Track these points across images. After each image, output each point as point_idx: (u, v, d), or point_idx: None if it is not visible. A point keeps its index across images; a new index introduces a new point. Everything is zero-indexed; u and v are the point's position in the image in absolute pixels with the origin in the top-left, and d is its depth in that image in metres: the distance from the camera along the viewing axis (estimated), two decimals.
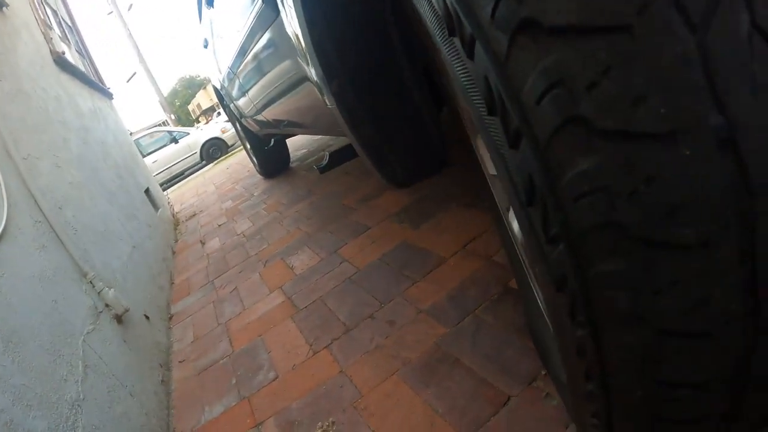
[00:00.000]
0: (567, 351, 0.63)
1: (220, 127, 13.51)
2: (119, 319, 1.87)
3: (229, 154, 12.58)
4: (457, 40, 0.60)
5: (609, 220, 0.43)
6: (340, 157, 2.12)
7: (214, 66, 4.04)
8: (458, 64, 0.64)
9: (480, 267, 1.65)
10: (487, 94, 0.54)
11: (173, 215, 5.71)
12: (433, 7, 0.65)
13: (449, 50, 0.70)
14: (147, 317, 2.26)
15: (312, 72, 1.35)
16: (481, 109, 0.57)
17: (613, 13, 0.40)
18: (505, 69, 0.48)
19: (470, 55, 0.56)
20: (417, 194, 2.48)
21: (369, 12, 1.20)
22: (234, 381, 1.72)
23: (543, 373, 1.16)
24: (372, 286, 1.85)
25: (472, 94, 0.59)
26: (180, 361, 2.09)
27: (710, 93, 0.39)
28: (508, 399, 1.14)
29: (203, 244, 3.94)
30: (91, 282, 1.83)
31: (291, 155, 5.67)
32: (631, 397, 0.54)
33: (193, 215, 5.43)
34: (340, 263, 2.20)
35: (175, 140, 13.05)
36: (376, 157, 1.40)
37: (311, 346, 1.67)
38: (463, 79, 0.64)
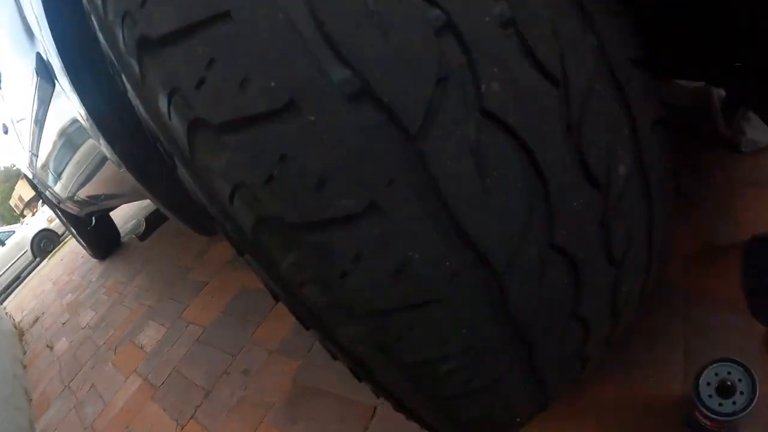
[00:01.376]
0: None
1: (46, 216, 12.11)
2: None
3: (62, 243, 11.38)
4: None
5: (261, 214, 0.37)
6: (156, 219, 1.99)
7: (20, 152, 3.60)
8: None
9: None
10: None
11: (15, 326, 5.17)
12: None
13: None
14: None
15: (99, 139, 1.23)
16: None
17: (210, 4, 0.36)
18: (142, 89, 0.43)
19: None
20: None
21: None
22: None
23: None
24: (221, 342, 1.81)
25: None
26: None
27: (327, 47, 0.35)
28: (375, 410, 1.12)
29: (51, 348, 3.59)
30: None
31: (120, 228, 5.39)
32: (401, 387, 0.50)
33: (36, 320, 4.95)
34: (186, 327, 2.12)
35: (1, 242, 11.49)
36: (178, 212, 1.30)
37: (177, 421, 1.60)
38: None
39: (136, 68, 0.41)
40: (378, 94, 0.35)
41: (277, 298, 0.54)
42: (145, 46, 0.39)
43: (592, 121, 0.42)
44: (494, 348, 0.46)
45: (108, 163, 1.74)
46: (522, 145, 0.39)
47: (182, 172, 0.45)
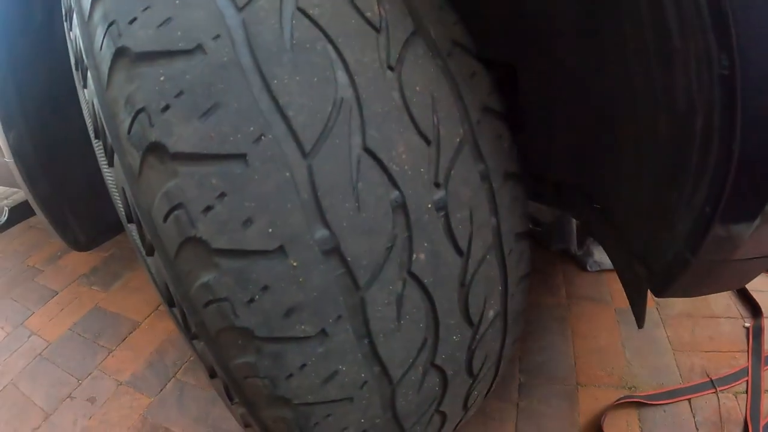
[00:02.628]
0: (239, 422, 0.68)
1: None
2: None
3: None
4: (100, 144, 0.58)
5: (233, 324, 0.47)
6: (22, 213, 1.82)
7: None
8: (104, 166, 0.62)
9: (175, 328, 1.58)
10: (125, 204, 0.54)
11: None
12: (86, 101, 0.62)
13: (97, 149, 0.67)
14: None
15: None
16: (122, 214, 0.57)
17: (229, 142, 0.45)
18: (138, 185, 0.49)
19: (111, 163, 0.55)
20: (106, 252, 2.30)
21: (55, 65, 1.08)
22: None
23: None
24: (66, 362, 1.67)
25: (115, 196, 0.58)
26: None
27: (316, 210, 0.48)
28: None
29: None
30: None
31: None
32: None
33: None
34: (29, 337, 1.89)
35: None
36: (54, 218, 1.26)
37: None
38: (108, 180, 0.62)
39: (137, 161, 0.47)
40: (344, 252, 0.48)
41: (212, 377, 0.63)
42: (156, 150, 0.46)
43: (479, 281, 0.60)
44: None
45: None
46: (429, 299, 0.55)
47: (158, 265, 0.53)
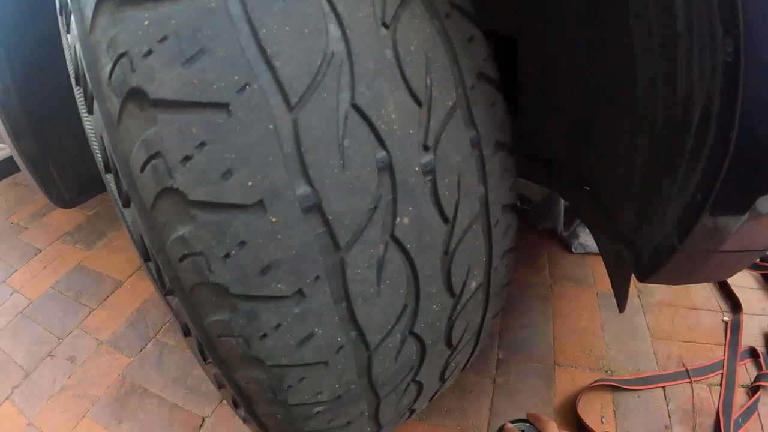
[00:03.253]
0: (213, 383, 0.67)
1: None
2: None
3: None
4: (80, 91, 0.56)
5: (208, 280, 0.46)
6: (7, 169, 1.79)
7: None
8: (84, 114, 0.60)
9: None
10: (103, 153, 0.52)
11: None
12: (69, 47, 0.59)
13: (78, 97, 0.65)
14: None
15: None
16: (100, 163, 0.54)
17: (212, 90, 0.43)
18: (116, 132, 0.47)
19: (90, 110, 0.53)
20: (91, 210, 2.28)
21: (43, 20, 1.04)
22: None
23: None
24: (48, 320, 1.67)
25: (94, 145, 0.56)
26: None
27: (299, 166, 0.46)
28: (203, 421, 1.17)
29: None
30: None
31: None
32: (275, 419, 0.60)
33: None
34: (11, 295, 1.88)
35: None
36: (39, 174, 1.24)
37: None
38: (88, 128, 0.60)
39: (116, 108, 0.45)
40: (325, 210, 0.47)
41: (186, 335, 0.61)
42: (136, 96, 0.44)
43: (463, 250, 0.59)
44: (354, 399, 0.60)
45: None
46: (411, 264, 0.54)
47: (134, 216, 0.51)
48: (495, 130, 0.60)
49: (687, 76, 0.48)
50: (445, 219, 0.55)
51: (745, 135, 0.44)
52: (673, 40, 0.48)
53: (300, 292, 0.48)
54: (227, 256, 0.45)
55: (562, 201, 1.51)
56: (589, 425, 1.02)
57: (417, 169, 0.52)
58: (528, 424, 0.94)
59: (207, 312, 0.49)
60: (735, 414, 1.04)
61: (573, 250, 1.51)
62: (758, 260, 1.39)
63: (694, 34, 0.46)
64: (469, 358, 0.79)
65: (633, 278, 0.73)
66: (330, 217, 0.47)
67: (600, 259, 1.13)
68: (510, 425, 0.92)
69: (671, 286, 1.36)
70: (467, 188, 0.57)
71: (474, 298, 0.65)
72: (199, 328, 0.51)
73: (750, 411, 1.05)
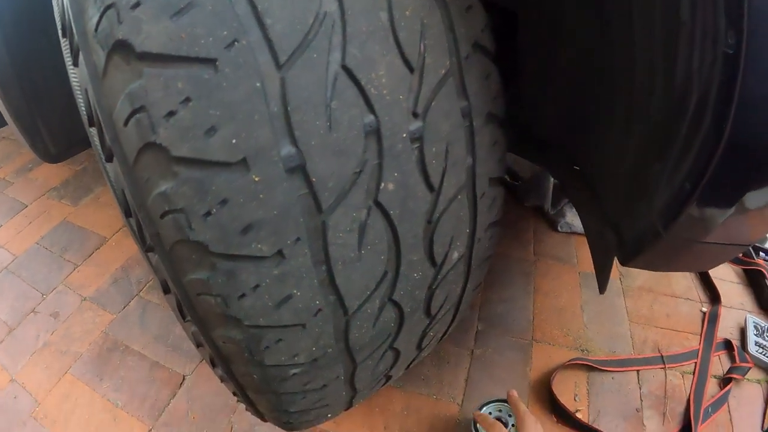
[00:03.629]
0: (192, 341, 0.67)
1: None
2: None
3: None
4: (66, 43, 0.55)
5: (188, 237, 0.46)
6: None
7: None
8: (70, 66, 0.58)
9: None
10: (87, 106, 0.51)
11: None
12: None
13: (64, 48, 0.63)
14: None
15: None
16: (84, 116, 0.53)
17: (200, 45, 0.42)
18: (101, 85, 0.46)
19: (75, 62, 0.52)
20: (78, 166, 2.24)
21: None
22: None
23: None
24: (32, 276, 1.66)
25: (79, 98, 0.55)
26: None
27: (285, 125, 0.45)
28: (184, 379, 1.19)
29: None
30: None
31: None
32: (251, 379, 0.60)
33: None
34: None
35: None
36: (26, 129, 1.21)
37: None
38: (73, 81, 0.58)
39: (102, 60, 0.44)
40: (309, 172, 0.46)
41: (166, 292, 0.61)
42: (122, 49, 0.43)
43: (447, 220, 0.59)
44: (331, 362, 0.61)
45: None
46: (393, 231, 0.54)
47: (117, 171, 0.50)
48: (487, 102, 0.60)
49: (686, 64, 0.48)
50: (430, 187, 0.55)
51: (739, 128, 0.44)
52: (675, 26, 0.48)
53: (280, 253, 0.48)
54: (208, 213, 0.45)
55: (552, 179, 1.52)
56: (563, 402, 1.05)
57: (405, 135, 0.51)
58: (505, 404, 0.96)
59: (186, 270, 0.49)
60: (705, 403, 1.07)
61: (558, 228, 1.52)
62: (741, 255, 1.41)
63: (698, 23, 0.45)
64: (448, 329, 0.80)
65: (616, 261, 0.74)
66: (313, 179, 0.47)
67: (584, 240, 1.14)
68: (479, 412, 0.95)
69: (653, 272, 1.38)
70: (455, 158, 0.57)
71: (455, 268, 0.65)
72: (179, 286, 0.51)
73: (720, 401, 1.08)
